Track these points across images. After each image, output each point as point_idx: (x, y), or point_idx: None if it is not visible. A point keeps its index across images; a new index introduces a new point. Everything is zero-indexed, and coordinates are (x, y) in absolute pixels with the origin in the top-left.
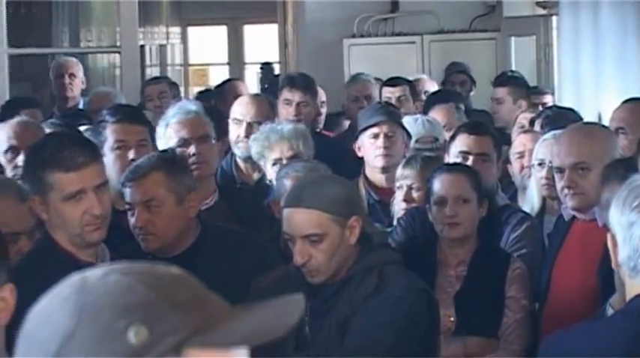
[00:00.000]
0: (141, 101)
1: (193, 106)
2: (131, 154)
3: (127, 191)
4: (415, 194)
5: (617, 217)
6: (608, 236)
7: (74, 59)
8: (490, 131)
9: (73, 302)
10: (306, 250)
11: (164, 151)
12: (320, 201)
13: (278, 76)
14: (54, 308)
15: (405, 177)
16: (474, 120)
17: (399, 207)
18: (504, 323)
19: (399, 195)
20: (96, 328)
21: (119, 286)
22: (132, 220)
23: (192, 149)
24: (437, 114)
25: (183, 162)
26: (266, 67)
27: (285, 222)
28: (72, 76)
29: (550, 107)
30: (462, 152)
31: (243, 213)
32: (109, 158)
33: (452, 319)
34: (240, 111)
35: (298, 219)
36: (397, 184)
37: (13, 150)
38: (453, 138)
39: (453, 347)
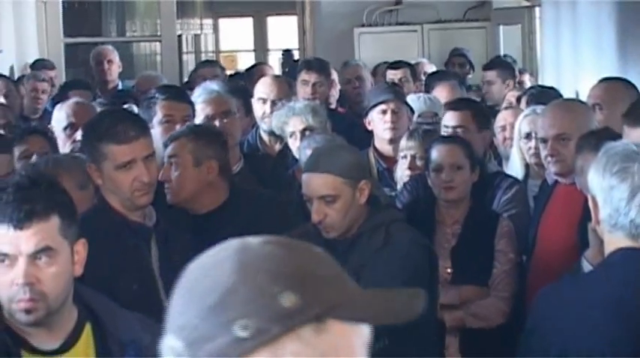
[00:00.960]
0: (189, 81)
1: (216, 86)
2: (177, 128)
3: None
4: (419, 162)
5: (597, 181)
6: (589, 197)
7: (110, 47)
8: (470, 107)
9: (235, 261)
10: (322, 209)
11: (199, 125)
12: (334, 167)
13: (297, 61)
14: (216, 264)
15: (409, 148)
16: (460, 97)
17: (402, 173)
18: (494, 273)
19: (404, 164)
20: (253, 287)
21: (276, 255)
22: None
23: (216, 123)
24: (441, 91)
25: (212, 134)
26: (286, 53)
27: (304, 185)
28: (110, 62)
29: (534, 87)
30: (445, 126)
31: (265, 179)
32: (156, 131)
33: (449, 270)
34: (264, 90)
35: (315, 183)
36: (401, 154)
37: (71, 127)
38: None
39: (450, 294)
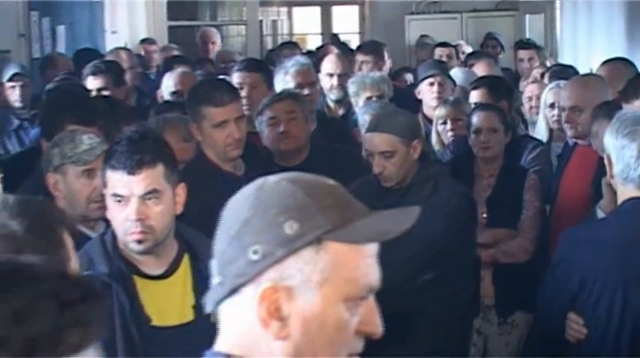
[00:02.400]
0: (270, 57)
1: (306, 60)
2: (244, 93)
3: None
4: (453, 124)
5: (612, 141)
6: (605, 156)
7: (214, 29)
8: (485, 84)
9: (253, 197)
10: (381, 163)
11: (282, 92)
12: (392, 127)
13: (343, 43)
14: (240, 200)
15: (442, 115)
16: (481, 76)
17: (445, 135)
18: (522, 219)
19: (444, 128)
20: (264, 219)
21: (286, 190)
22: (275, 131)
23: (305, 91)
24: (481, 67)
25: (304, 97)
26: (334, 37)
27: (366, 142)
28: (213, 43)
29: (555, 65)
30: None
31: (333, 138)
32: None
33: (484, 216)
34: (331, 67)
35: (376, 141)
36: (440, 121)
37: (178, 93)
38: None
39: (485, 235)
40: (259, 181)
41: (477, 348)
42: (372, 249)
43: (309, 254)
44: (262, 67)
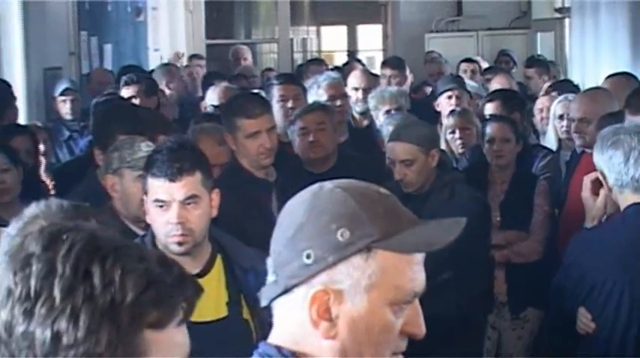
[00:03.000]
0: (299, 73)
1: (336, 75)
2: (289, 105)
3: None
4: (461, 134)
5: (599, 157)
6: (598, 173)
7: (245, 47)
8: (499, 97)
9: (308, 203)
10: (402, 170)
11: (313, 104)
12: (412, 137)
13: (359, 60)
14: (297, 205)
15: (451, 125)
16: (495, 90)
17: (454, 144)
18: (532, 222)
19: (452, 137)
20: (317, 224)
21: (339, 198)
22: (306, 140)
23: (337, 102)
24: (500, 80)
25: (333, 109)
26: (350, 55)
27: (388, 151)
28: (245, 59)
29: (563, 80)
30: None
31: (358, 146)
32: (275, 108)
33: (498, 219)
34: (357, 81)
35: (397, 149)
36: (449, 130)
37: (220, 107)
38: None
39: (498, 237)
40: (315, 187)
41: (491, 342)
42: (419, 257)
43: (358, 261)
44: (298, 80)
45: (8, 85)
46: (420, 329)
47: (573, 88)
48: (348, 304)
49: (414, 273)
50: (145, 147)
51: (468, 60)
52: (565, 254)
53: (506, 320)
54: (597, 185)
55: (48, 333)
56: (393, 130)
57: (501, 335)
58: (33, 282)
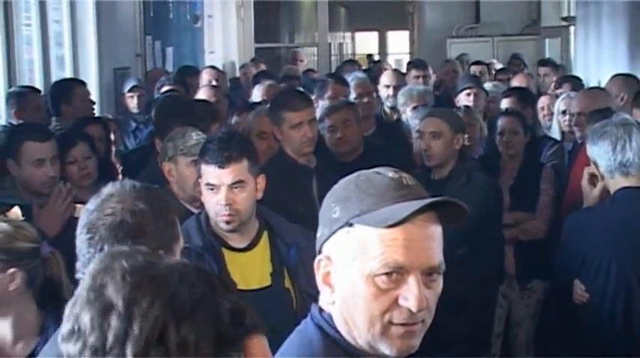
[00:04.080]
0: (336, 73)
1: (362, 75)
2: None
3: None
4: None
5: (591, 149)
6: (592, 163)
7: (302, 49)
8: (516, 93)
9: (332, 188)
10: (429, 142)
11: (338, 103)
12: (443, 115)
13: (377, 61)
14: (338, 188)
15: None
16: (512, 87)
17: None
18: (539, 204)
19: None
20: (327, 204)
21: (348, 183)
22: (334, 136)
23: (365, 99)
24: (519, 80)
25: (357, 106)
26: (369, 57)
27: (420, 125)
28: (301, 60)
29: (570, 76)
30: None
31: (388, 138)
32: (326, 103)
33: (508, 201)
34: (388, 80)
35: (429, 122)
36: None
37: (264, 102)
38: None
39: (508, 217)
40: (354, 175)
41: (502, 309)
42: (397, 232)
43: (343, 234)
44: (347, 81)
45: (82, 83)
46: (412, 304)
47: (578, 83)
48: (338, 274)
49: (388, 247)
50: (195, 136)
51: (478, 62)
52: (562, 232)
53: (515, 291)
54: (595, 177)
55: None
56: (428, 110)
57: (511, 304)
58: (110, 338)
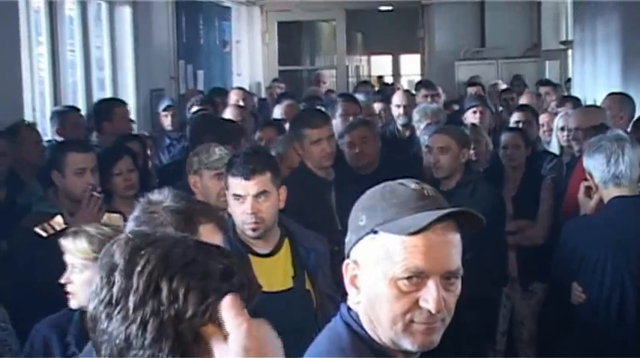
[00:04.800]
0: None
1: (364, 98)
2: (350, 119)
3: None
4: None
5: (587, 161)
6: (587, 175)
7: (326, 72)
8: (527, 109)
9: (377, 191)
10: (437, 156)
11: (356, 121)
12: (450, 132)
13: (387, 84)
14: (365, 197)
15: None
16: (523, 104)
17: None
18: (539, 212)
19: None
20: (355, 213)
21: (374, 193)
22: (353, 151)
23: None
24: (526, 98)
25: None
26: (380, 79)
27: (429, 141)
28: (324, 82)
29: (569, 96)
30: (514, 120)
31: (399, 153)
32: (337, 121)
33: (511, 210)
34: (399, 100)
35: (437, 138)
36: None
37: (283, 120)
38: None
39: (511, 225)
40: (382, 186)
41: (506, 309)
42: (418, 239)
43: (368, 240)
44: (357, 99)
45: (122, 103)
46: (431, 306)
47: (578, 102)
48: (364, 276)
49: (409, 253)
50: (218, 151)
51: (474, 84)
52: (561, 237)
53: (517, 292)
54: (590, 189)
55: (122, 336)
56: (436, 127)
57: (514, 304)
58: (114, 292)
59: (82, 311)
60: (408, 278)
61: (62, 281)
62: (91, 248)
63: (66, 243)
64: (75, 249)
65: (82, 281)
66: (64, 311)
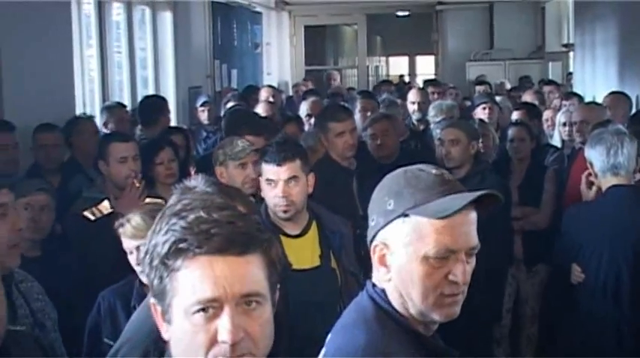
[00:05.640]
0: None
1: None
2: (368, 114)
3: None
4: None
5: (588, 152)
6: (588, 164)
7: (336, 71)
8: (526, 108)
9: (382, 181)
10: (449, 147)
11: (379, 114)
12: (461, 126)
13: (407, 83)
14: (389, 183)
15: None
16: (523, 102)
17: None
18: (542, 200)
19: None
20: (380, 196)
21: (398, 178)
22: (375, 143)
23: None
24: (529, 96)
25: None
26: (401, 77)
27: (441, 134)
28: (334, 79)
29: (572, 92)
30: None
31: (418, 143)
32: (358, 116)
33: (517, 198)
34: (414, 97)
35: (449, 131)
36: None
37: (309, 116)
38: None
39: (517, 211)
40: (401, 170)
41: (512, 288)
42: (446, 221)
43: (398, 224)
44: (375, 96)
45: (163, 100)
46: (460, 278)
47: (580, 98)
48: (394, 256)
49: (440, 234)
50: (240, 144)
51: (481, 82)
52: (562, 222)
53: (522, 273)
54: (591, 180)
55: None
56: (448, 122)
57: (519, 284)
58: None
59: (141, 280)
60: (439, 257)
61: (133, 262)
62: (148, 225)
63: (122, 230)
64: (136, 231)
65: None
66: (125, 281)
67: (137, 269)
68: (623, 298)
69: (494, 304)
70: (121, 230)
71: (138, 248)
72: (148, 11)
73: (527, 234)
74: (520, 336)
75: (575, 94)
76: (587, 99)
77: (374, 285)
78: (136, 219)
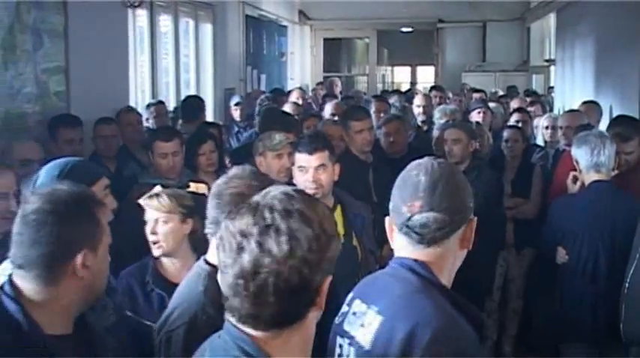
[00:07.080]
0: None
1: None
2: (381, 114)
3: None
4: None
5: (575, 151)
6: (574, 162)
7: (337, 79)
8: (519, 111)
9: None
10: (451, 146)
11: (392, 115)
12: (462, 127)
13: (409, 90)
14: (410, 173)
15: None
16: (520, 106)
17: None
18: (532, 192)
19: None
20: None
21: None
22: (388, 140)
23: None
24: (517, 101)
25: (406, 117)
26: (413, 86)
27: (445, 134)
28: (336, 85)
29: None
30: (513, 119)
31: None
32: (373, 116)
33: (509, 190)
34: (419, 102)
35: (451, 132)
36: None
37: (333, 115)
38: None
39: (509, 202)
40: (420, 161)
41: (503, 268)
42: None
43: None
44: (386, 99)
45: (202, 100)
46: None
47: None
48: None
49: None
50: (278, 137)
51: (477, 90)
52: (549, 212)
53: (512, 255)
54: (576, 177)
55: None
56: (451, 123)
57: (509, 265)
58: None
59: (155, 259)
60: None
61: (148, 231)
62: (172, 204)
63: (150, 201)
64: (160, 205)
65: (165, 231)
66: (139, 263)
67: (150, 238)
68: (599, 276)
69: (486, 280)
70: (148, 200)
71: (157, 220)
72: (191, 23)
73: (519, 222)
74: (507, 309)
75: (538, 102)
76: (567, 108)
77: (416, 260)
78: (164, 196)
